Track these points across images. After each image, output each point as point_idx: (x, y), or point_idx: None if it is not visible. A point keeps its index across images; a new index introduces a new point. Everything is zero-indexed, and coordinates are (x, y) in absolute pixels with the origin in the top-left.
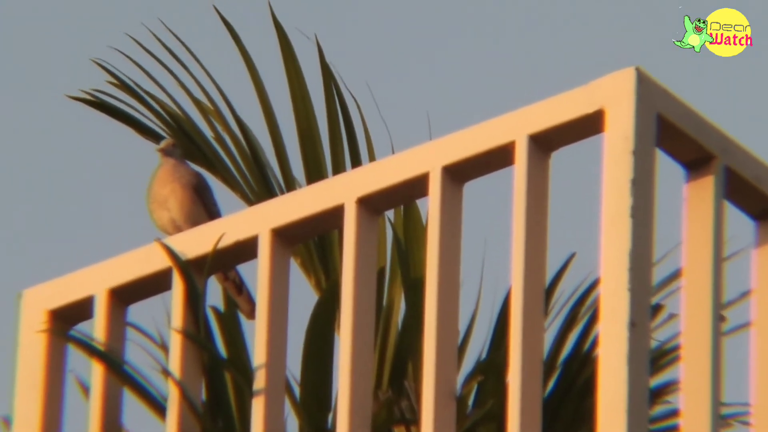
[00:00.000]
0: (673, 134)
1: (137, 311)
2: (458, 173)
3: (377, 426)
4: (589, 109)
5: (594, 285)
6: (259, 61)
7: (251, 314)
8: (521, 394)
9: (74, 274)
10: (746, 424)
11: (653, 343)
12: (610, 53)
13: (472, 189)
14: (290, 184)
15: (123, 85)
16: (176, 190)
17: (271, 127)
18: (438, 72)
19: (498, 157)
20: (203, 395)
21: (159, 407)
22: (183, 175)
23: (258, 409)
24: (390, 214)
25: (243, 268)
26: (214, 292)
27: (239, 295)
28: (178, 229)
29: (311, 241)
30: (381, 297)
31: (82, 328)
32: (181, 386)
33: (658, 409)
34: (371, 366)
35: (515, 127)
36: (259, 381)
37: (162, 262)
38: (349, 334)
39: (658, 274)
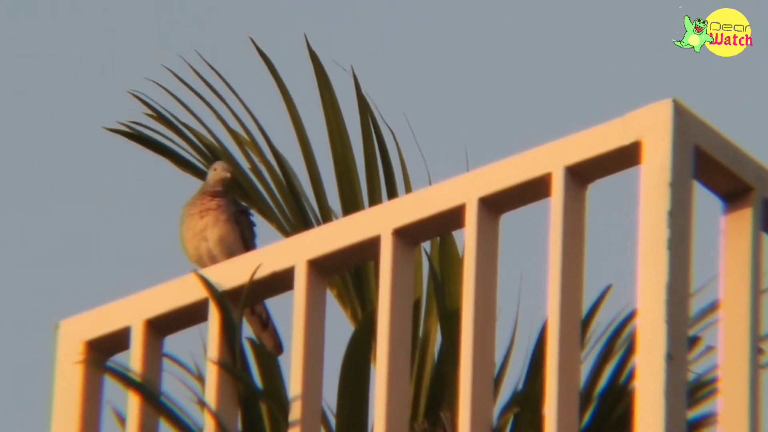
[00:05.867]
0: (711, 166)
1: (173, 342)
2: (495, 205)
3: None
4: (625, 141)
5: (631, 317)
6: (295, 93)
7: (275, 350)
8: (557, 426)
9: (111, 305)
10: None
11: (691, 376)
12: (647, 84)
13: (509, 221)
14: (326, 215)
15: (160, 117)
16: (218, 221)
17: (307, 158)
18: (475, 103)
19: (534, 189)
20: (239, 426)
21: None
22: (223, 205)
23: None
24: (426, 245)
25: (276, 300)
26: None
27: (264, 330)
28: (213, 260)
29: (347, 272)
30: (417, 328)
31: (118, 359)
32: (217, 417)
33: None
34: (407, 397)
35: (552, 158)
36: (295, 412)
37: (198, 293)
38: (385, 365)
39: (695, 307)
